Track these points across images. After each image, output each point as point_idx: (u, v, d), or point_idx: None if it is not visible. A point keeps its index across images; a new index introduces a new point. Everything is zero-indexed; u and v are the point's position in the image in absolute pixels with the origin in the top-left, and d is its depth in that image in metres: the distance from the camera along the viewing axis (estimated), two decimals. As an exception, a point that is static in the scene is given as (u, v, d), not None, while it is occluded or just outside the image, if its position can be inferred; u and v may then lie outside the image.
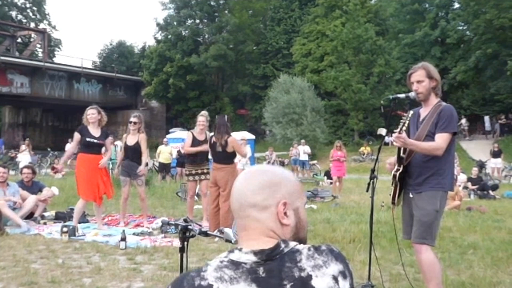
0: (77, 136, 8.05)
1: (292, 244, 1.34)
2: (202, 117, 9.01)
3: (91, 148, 8.00)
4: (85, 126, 8.08)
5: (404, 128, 4.02)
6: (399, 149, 4.16)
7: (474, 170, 16.23)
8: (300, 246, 1.35)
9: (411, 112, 4.18)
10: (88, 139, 7.97)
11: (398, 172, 4.18)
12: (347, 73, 34.56)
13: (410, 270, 5.37)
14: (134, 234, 7.82)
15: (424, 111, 4.23)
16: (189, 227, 2.94)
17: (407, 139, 3.95)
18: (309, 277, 1.29)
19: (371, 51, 34.62)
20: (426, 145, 4.02)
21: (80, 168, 8.10)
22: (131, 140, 8.72)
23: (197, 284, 1.26)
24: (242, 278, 1.26)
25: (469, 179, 15.76)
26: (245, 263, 1.29)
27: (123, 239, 6.78)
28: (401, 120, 4.07)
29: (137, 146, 8.68)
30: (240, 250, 1.32)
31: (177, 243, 6.56)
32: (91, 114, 8.09)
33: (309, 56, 40.39)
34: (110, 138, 8.39)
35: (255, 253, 1.30)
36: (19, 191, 9.01)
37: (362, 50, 34.55)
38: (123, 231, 7.14)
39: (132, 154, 8.72)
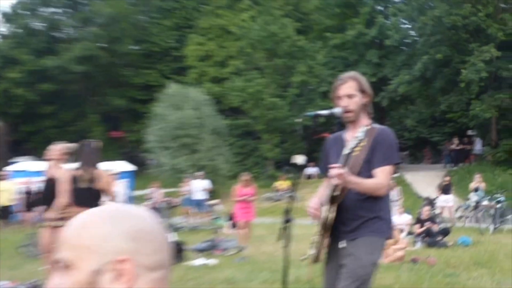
0: None
1: None
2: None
3: None
4: None
5: (351, 156, 4.07)
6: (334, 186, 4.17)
7: (426, 210, 16.45)
8: None
9: (352, 139, 4.14)
10: None
11: (333, 215, 4.16)
12: (258, 83, 34.89)
13: None
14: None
15: (351, 136, 4.24)
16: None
17: (349, 177, 3.98)
18: None
19: (289, 54, 35.31)
20: (371, 183, 4.08)
21: None
22: None
23: None
24: None
25: (418, 221, 16.09)
26: None
27: None
28: (345, 150, 4.10)
29: None
30: None
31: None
32: None
33: (207, 60, 40.65)
34: None
35: None
36: None
37: (278, 53, 35.18)
38: None
39: None
